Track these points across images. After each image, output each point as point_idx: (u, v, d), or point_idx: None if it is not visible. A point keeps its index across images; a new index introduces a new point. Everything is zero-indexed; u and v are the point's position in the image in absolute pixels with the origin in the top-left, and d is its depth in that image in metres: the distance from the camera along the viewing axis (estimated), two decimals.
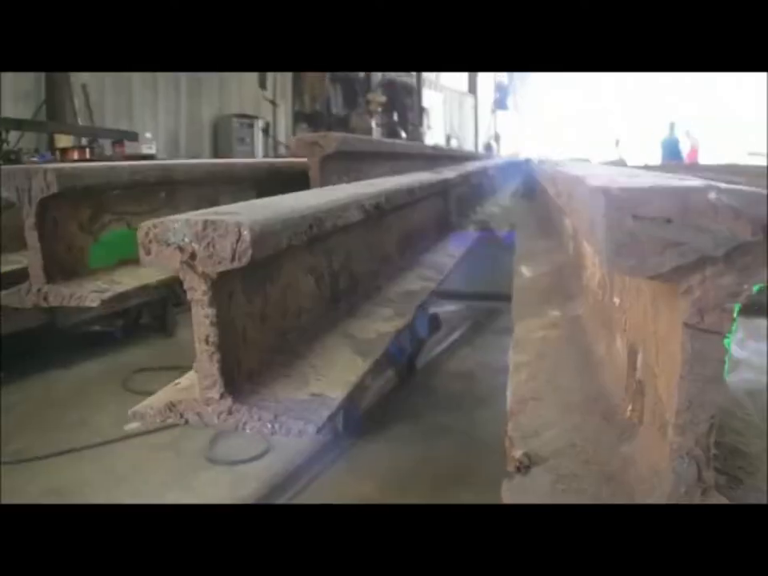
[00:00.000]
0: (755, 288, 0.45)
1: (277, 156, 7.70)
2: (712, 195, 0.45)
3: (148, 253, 0.80)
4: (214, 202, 1.55)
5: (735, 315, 0.46)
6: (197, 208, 1.48)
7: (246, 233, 0.77)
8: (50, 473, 2.62)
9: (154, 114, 6.67)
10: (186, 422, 0.85)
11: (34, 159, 3.67)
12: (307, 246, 0.99)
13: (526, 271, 1.26)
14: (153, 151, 4.69)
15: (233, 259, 0.78)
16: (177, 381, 0.93)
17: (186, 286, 0.81)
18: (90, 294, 1.17)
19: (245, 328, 0.88)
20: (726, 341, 0.47)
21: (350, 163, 1.63)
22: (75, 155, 3.78)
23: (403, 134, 11.48)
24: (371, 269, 1.24)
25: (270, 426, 0.81)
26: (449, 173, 1.90)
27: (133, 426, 2.97)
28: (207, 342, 0.81)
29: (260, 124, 8.21)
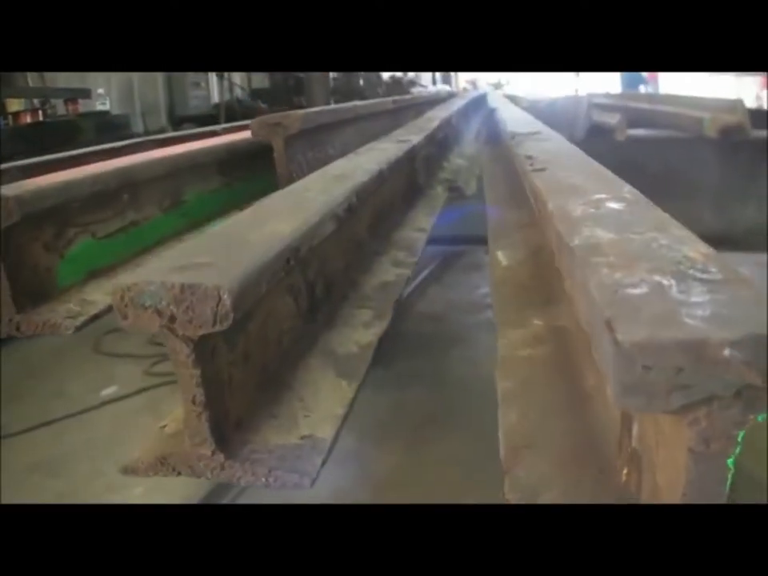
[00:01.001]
0: (759, 418, 0.45)
1: (233, 98, 7.53)
2: (726, 352, 0.44)
3: (125, 317, 0.78)
4: (178, 196, 1.52)
5: (740, 440, 0.47)
6: (160, 205, 1.47)
7: (225, 297, 0.75)
8: (32, 447, 2.61)
9: None
10: (179, 474, 0.85)
11: None
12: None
13: (501, 258, 1.25)
14: (106, 107, 4.59)
15: (214, 323, 0.76)
16: (163, 424, 0.92)
17: (167, 348, 0.79)
18: (63, 321, 1.15)
19: (230, 376, 0.87)
20: (729, 460, 0.47)
21: (313, 137, 1.60)
22: (28, 118, 3.67)
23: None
24: (345, 263, 1.22)
25: (264, 480, 0.81)
26: (414, 136, 1.89)
27: (109, 391, 2.96)
28: (194, 402, 0.80)
29: None
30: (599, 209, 0.87)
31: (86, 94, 4.34)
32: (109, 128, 4.22)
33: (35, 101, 4.08)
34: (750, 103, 6.89)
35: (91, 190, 1.30)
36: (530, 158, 1.13)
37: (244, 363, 0.91)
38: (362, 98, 6.60)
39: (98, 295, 1.25)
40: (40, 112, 3.77)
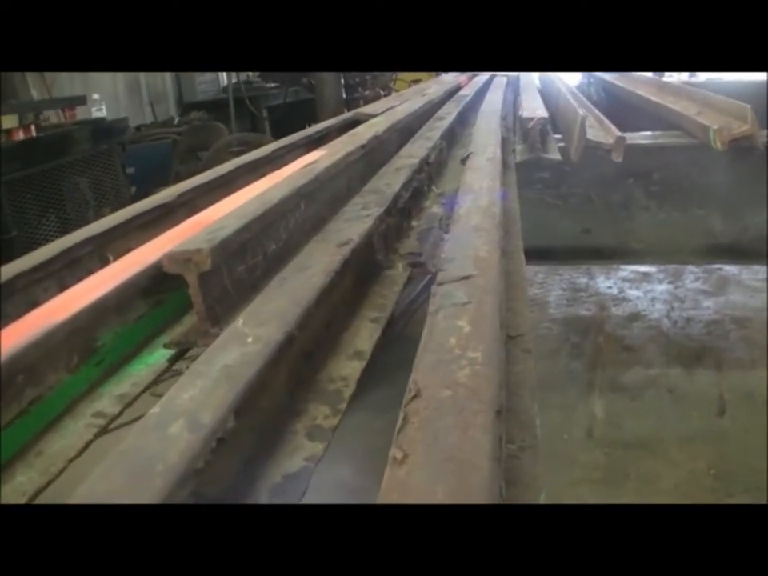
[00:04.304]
0: None
1: (239, 81, 7.42)
2: None
3: None
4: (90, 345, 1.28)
5: None
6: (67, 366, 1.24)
7: None
8: None
9: None
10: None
11: None
12: None
13: None
14: (103, 114, 4.51)
15: None
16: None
17: None
18: None
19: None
20: None
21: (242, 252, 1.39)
22: (21, 134, 3.63)
23: None
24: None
25: None
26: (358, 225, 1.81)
27: None
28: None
29: None
30: None
31: (81, 101, 4.28)
32: (105, 135, 4.15)
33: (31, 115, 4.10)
34: None
35: None
36: None
37: None
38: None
39: None
40: (32, 126, 3.71)
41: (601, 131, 2.27)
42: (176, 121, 6.71)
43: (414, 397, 0.53)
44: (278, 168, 1.81)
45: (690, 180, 2.47)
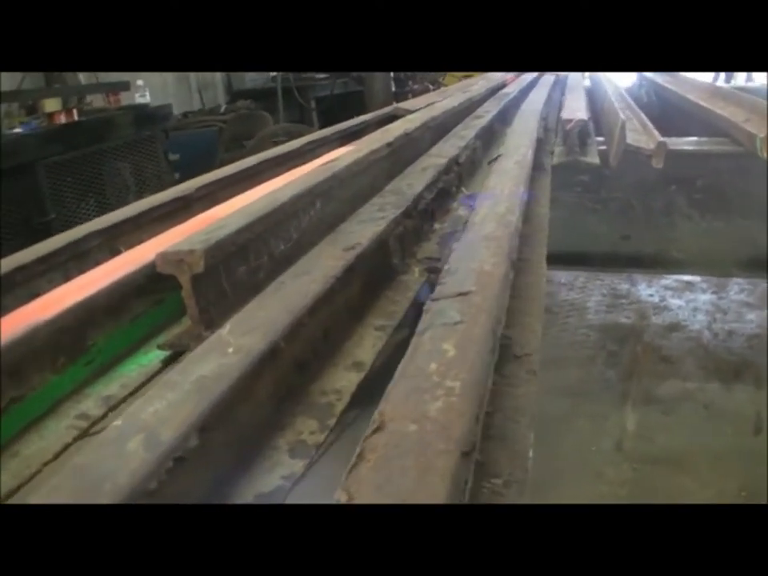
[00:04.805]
0: None
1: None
2: None
3: None
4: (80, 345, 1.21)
5: None
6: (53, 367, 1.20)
7: None
8: None
9: None
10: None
11: (17, 131, 3.53)
12: None
13: None
14: (146, 100, 4.51)
15: None
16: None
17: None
18: None
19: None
20: None
21: (241, 253, 1.38)
22: (62, 118, 3.64)
23: None
24: None
25: None
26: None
27: None
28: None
29: None
30: None
31: (124, 86, 4.28)
32: (148, 121, 4.16)
33: (75, 99, 4.11)
34: None
35: None
36: None
37: None
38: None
39: None
40: (75, 110, 3.72)
41: (643, 135, 2.19)
42: (222, 108, 6.72)
43: (376, 430, 0.49)
44: (303, 163, 1.77)
45: (735, 189, 2.39)
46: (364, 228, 1.09)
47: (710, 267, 2.51)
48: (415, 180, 1.39)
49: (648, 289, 3.75)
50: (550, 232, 1.70)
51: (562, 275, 3.85)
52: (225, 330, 0.76)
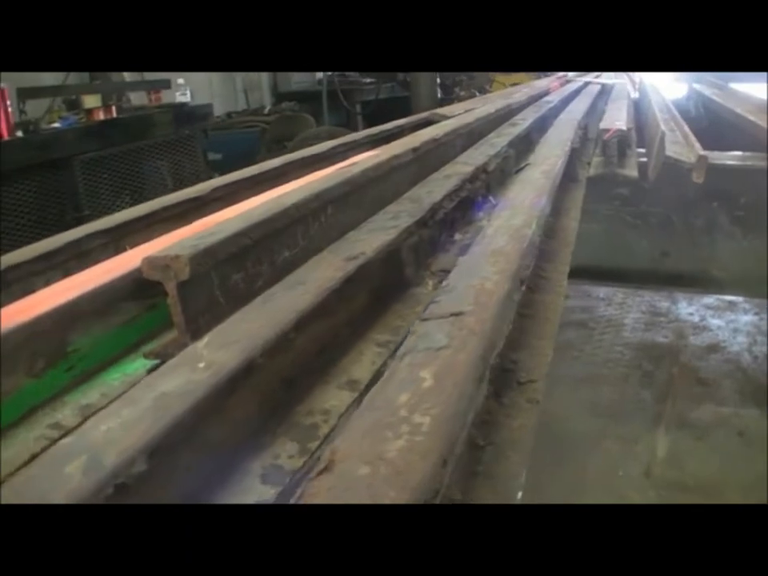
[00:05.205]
0: None
1: (333, 74, 7.35)
2: None
3: None
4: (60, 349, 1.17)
5: None
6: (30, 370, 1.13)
7: None
8: None
9: None
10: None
11: (56, 125, 3.55)
12: None
13: None
14: (187, 98, 4.52)
15: None
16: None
17: None
18: None
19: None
20: None
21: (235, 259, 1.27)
22: (101, 114, 3.65)
23: None
24: None
25: None
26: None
27: None
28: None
29: None
30: None
31: (164, 84, 4.29)
32: (187, 119, 4.16)
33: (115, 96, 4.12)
34: None
35: None
36: None
37: None
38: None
39: None
40: (114, 107, 3.73)
41: (685, 148, 2.10)
42: (266, 110, 6.72)
43: (323, 471, 0.43)
44: (329, 166, 1.71)
45: None
46: (372, 237, 1.03)
47: (752, 288, 2.41)
48: (436, 187, 1.32)
49: (688, 307, 3.63)
50: (585, 245, 1.63)
51: (601, 290, 3.75)
52: (201, 343, 0.71)
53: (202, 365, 0.66)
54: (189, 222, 1.31)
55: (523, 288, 0.85)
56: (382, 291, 1.03)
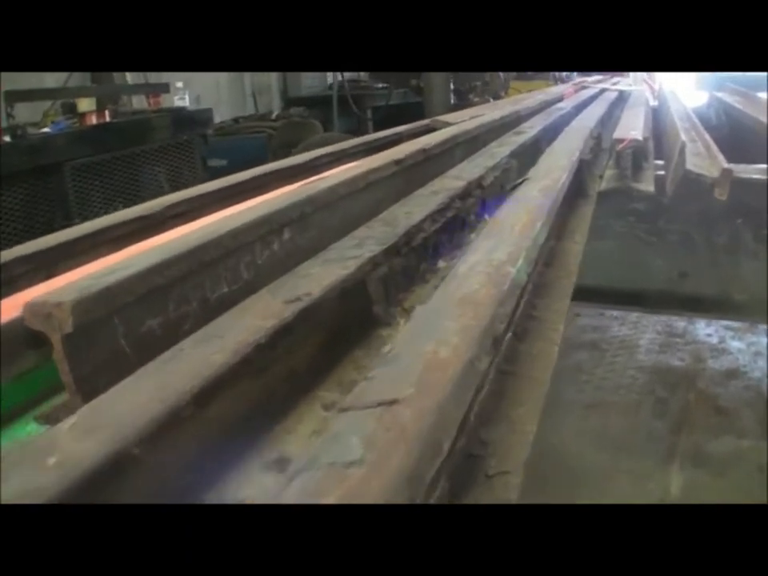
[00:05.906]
0: None
1: (343, 79, 7.23)
2: None
3: None
4: None
5: None
6: None
7: None
8: None
9: None
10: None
11: (45, 130, 3.45)
12: None
13: None
14: (185, 103, 4.39)
15: None
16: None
17: None
18: None
19: None
20: None
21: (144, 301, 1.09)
22: (93, 119, 3.52)
23: None
24: None
25: None
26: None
27: None
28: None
29: None
30: None
31: (163, 88, 4.16)
32: (185, 125, 4.02)
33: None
34: None
35: None
36: None
37: None
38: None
39: None
40: (106, 112, 3.60)
41: (707, 160, 1.92)
42: (274, 115, 6.60)
43: None
44: (300, 180, 1.54)
45: None
46: (325, 271, 0.85)
47: None
48: (418, 207, 1.15)
49: (706, 328, 3.45)
50: (595, 264, 1.48)
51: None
52: (67, 424, 0.54)
53: (53, 460, 0.49)
54: (134, 244, 1.15)
55: (497, 350, 0.67)
56: (338, 336, 0.86)
